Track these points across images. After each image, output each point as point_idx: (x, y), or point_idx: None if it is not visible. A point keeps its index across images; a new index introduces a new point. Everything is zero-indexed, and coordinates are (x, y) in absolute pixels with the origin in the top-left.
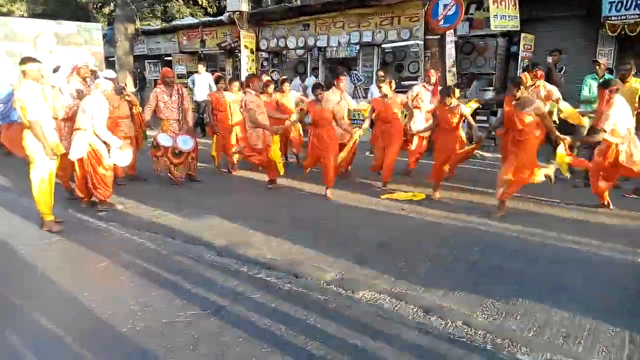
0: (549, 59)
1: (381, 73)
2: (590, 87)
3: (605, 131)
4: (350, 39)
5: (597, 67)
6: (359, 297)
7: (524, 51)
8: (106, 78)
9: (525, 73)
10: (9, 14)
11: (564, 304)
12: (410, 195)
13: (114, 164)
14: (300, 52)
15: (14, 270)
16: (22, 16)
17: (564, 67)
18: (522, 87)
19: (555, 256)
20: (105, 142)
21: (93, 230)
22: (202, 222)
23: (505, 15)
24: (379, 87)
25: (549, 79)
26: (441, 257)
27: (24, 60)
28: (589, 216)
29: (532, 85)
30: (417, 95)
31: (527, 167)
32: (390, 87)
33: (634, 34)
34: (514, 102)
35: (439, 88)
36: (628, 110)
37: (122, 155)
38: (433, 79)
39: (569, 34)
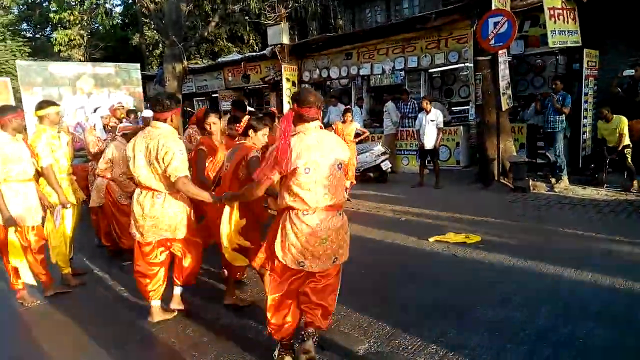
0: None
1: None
2: None
3: None
4: (394, 65)
5: None
6: None
7: (588, 69)
8: (143, 117)
9: None
10: (69, 58)
11: None
12: (463, 237)
13: None
14: (344, 81)
15: (11, 333)
16: (81, 60)
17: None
18: None
19: None
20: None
21: (111, 286)
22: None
23: (565, 31)
24: None
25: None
26: (503, 323)
27: (42, 105)
28: None
29: None
30: None
31: None
32: None
33: None
34: None
35: None
36: None
37: None
38: None
39: None
